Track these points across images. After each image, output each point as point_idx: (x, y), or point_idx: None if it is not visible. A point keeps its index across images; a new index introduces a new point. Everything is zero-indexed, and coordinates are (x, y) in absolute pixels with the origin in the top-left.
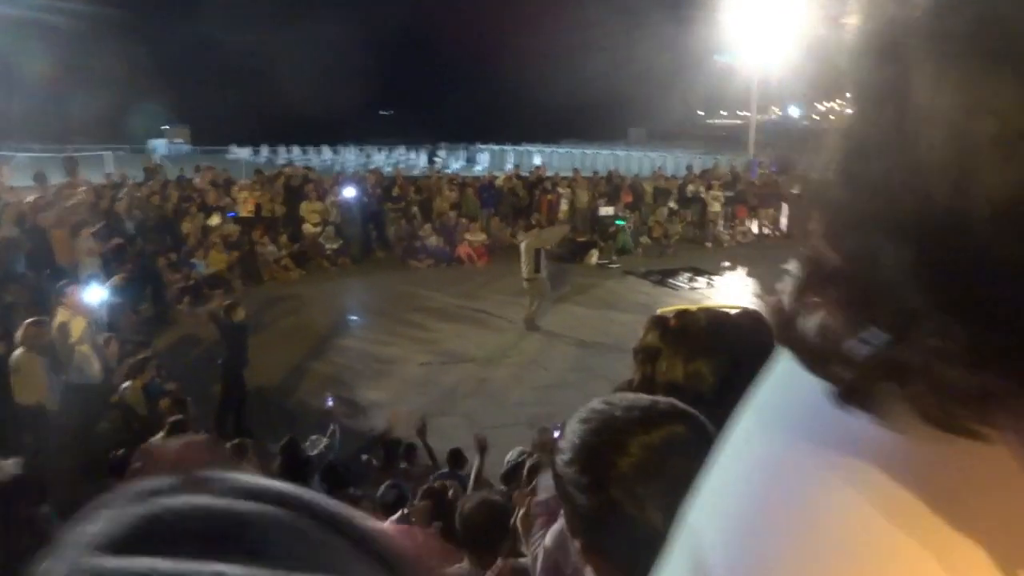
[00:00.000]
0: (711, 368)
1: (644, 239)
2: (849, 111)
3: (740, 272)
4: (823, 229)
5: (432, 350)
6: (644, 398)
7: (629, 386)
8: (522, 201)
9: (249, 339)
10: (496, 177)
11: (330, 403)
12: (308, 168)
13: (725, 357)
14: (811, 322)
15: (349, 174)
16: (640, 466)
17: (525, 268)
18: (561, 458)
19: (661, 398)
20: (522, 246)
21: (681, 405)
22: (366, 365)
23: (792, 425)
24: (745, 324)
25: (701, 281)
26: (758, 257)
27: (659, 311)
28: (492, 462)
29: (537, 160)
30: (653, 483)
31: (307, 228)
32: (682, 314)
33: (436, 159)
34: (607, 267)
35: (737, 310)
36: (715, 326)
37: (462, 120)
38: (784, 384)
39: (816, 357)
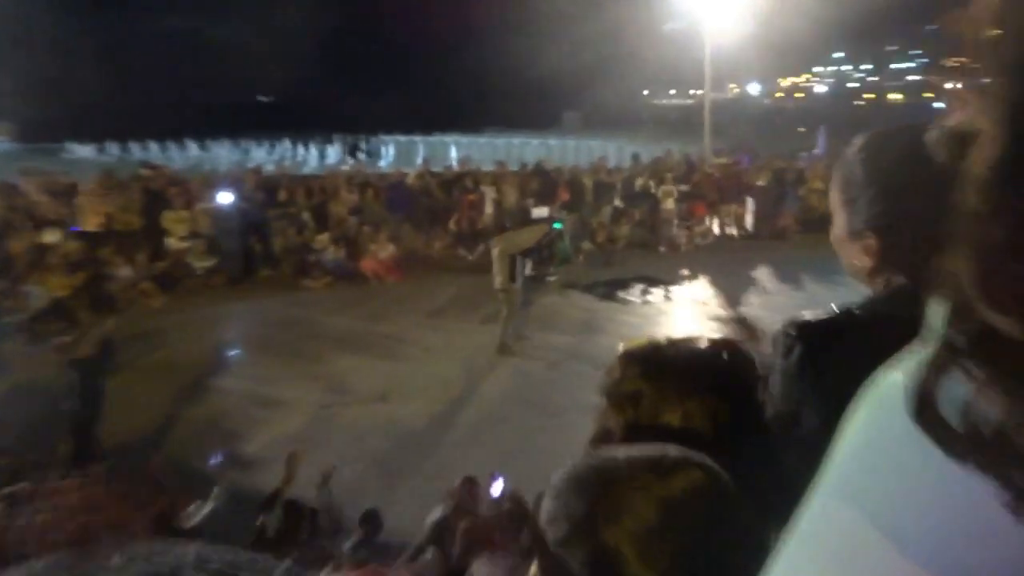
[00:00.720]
0: (704, 409)
1: (586, 244)
2: (993, 121)
3: (702, 281)
4: (979, 282)
5: (333, 388)
6: (645, 446)
7: (606, 436)
8: (438, 203)
9: (104, 383)
10: (405, 174)
11: (212, 460)
12: (170, 168)
13: (715, 397)
14: (966, 402)
15: (223, 174)
16: (660, 528)
17: (498, 278)
18: (554, 532)
19: (668, 445)
20: (494, 252)
21: (692, 452)
22: (252, 410)
23: (935, 539)
24: (727, 358)
25: (656, 293)
26: (721, 262)
27: (624, 346)
28: (412, 521)
29: (454, 153)
30: (677, 547)
31: (172, 243)
32: (657, 349)
33: (359, 154)
34: (543, 280)
35: (710, 341)
36: (699, 361)
37: (361, 107)
38: (909, 473)
39: (974, 449)
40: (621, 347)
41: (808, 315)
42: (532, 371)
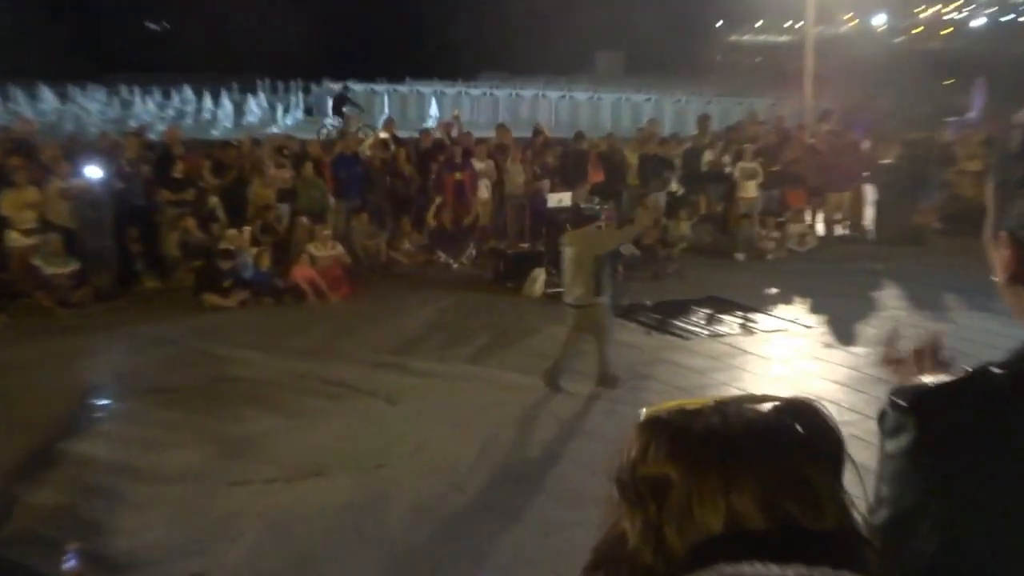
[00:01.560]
0: (760, 509)
1: (627, 248)
2: None
3: (798, 305)
4: None
5: (247, 457)
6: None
7: (620, 543)
8: (408, 184)
9: None
10: (362, 140)
11: (67, 561)
12: (16, 126)
13: (779, 490)
14: None
15: (91, 138)
16: None
17: (577, 290)
18: None
19: None
20: (568, 252)
21: None
22: (126, 488)
23: None
24: (802, 430)
25: (730, 323)
26: (828, 278)
27: (647, 412)
28: None
29: (435, 110)
30: None
31: (13, 238)
32: (694, 415)
33: (349, 107)
34: (562, 300)
35: (774, 402)
36: (757, 435)
37: (298, 40)
38: None
39: None
40: (643, 412)
41: (927, 379)
42: (544, 438)
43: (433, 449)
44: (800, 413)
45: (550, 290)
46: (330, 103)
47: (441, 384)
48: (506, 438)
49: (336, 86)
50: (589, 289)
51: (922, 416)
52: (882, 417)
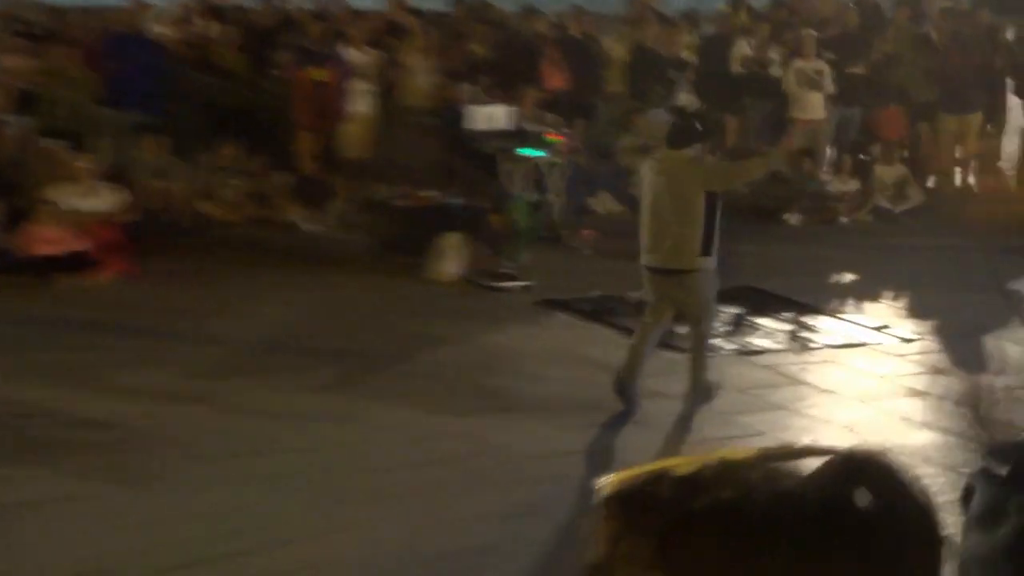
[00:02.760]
0: None
1: (605, 200)
2: None
3: (889, 304)
4: None
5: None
6: None
7: None
8: (236, 86)
9: None
10: (148, 7)
11: None
12: None
13: None
14: None
15: None
16: None
17: (667, 244)
18: None
19: None
20: (655, 183)
21: None
22: None
23: None
24: (871, 496)
25: (774, 330)
26: (941, 257)
27: (608, 484)
28: None
29: None
30: None
31: None
32: (689, 487)
33: None
34: (495, 288)
35: (823, 457)
36: (799, 513)
37: None
38: None
39: None
40: (601, 486)
41: None
42: (471, 526)
43: (273, 545)
44: (869, 477)
45: (475, 275)
46: None
47: (287, 429)
48: (404, 527)
49: None
50: (689, 245)
51: None
52: (967, 496)
